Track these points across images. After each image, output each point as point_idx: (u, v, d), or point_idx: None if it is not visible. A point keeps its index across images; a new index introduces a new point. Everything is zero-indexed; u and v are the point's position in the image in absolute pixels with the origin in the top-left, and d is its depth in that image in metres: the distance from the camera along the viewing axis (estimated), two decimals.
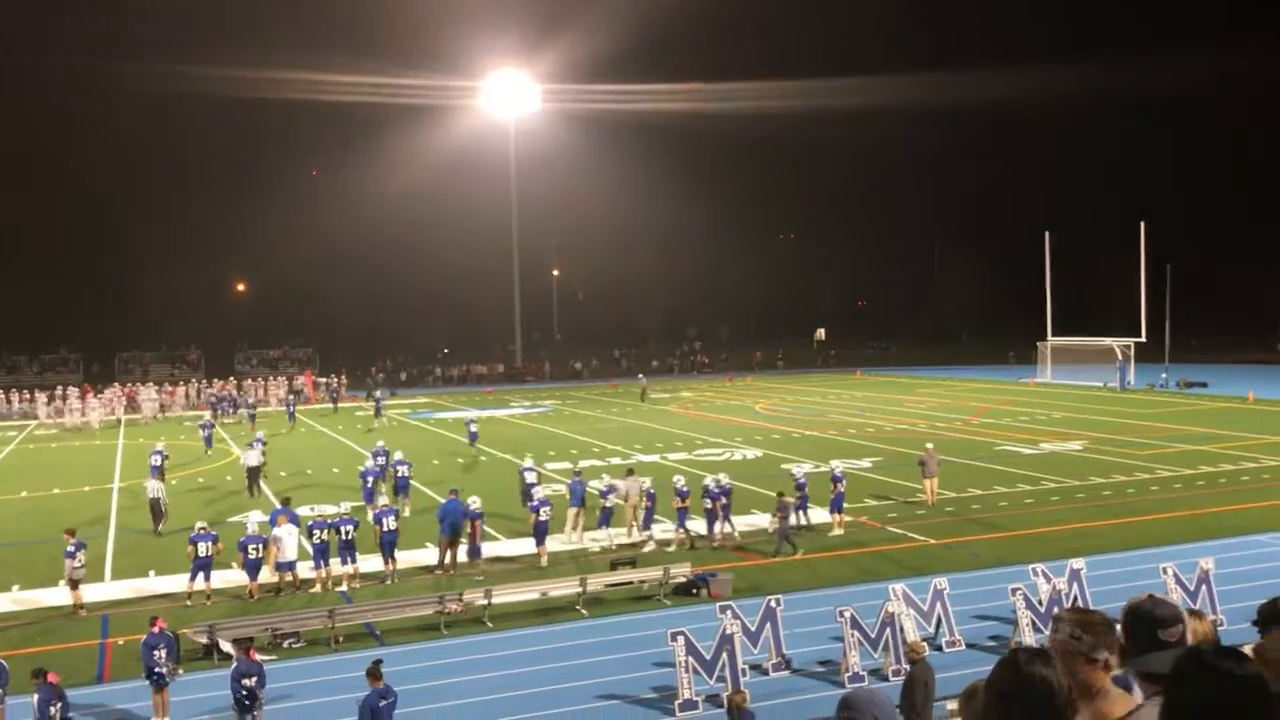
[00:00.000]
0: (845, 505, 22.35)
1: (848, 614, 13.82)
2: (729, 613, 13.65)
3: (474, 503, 19.94)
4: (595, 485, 24.73)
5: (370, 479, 24.99)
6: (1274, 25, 74.30)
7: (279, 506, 20.69)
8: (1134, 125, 78.91)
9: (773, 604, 14.14)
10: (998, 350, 71.75)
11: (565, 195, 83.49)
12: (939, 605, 14.75)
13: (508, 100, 70.00)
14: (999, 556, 19.42)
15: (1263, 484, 26.20)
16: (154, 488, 24.30)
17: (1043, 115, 75.28)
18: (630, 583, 17.92)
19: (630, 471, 23.34)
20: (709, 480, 21.87)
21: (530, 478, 24.19)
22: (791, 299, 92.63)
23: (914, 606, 14.45)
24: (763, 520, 22.64)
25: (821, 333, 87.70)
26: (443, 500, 20.89)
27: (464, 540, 19.83)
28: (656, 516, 21.73)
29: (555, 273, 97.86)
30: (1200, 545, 19.28)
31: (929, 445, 25.55)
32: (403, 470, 25.49)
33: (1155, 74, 68.98)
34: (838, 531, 21.78)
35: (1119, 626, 2.96)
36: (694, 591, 17.66)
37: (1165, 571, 15.03)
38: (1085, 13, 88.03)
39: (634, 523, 21.93)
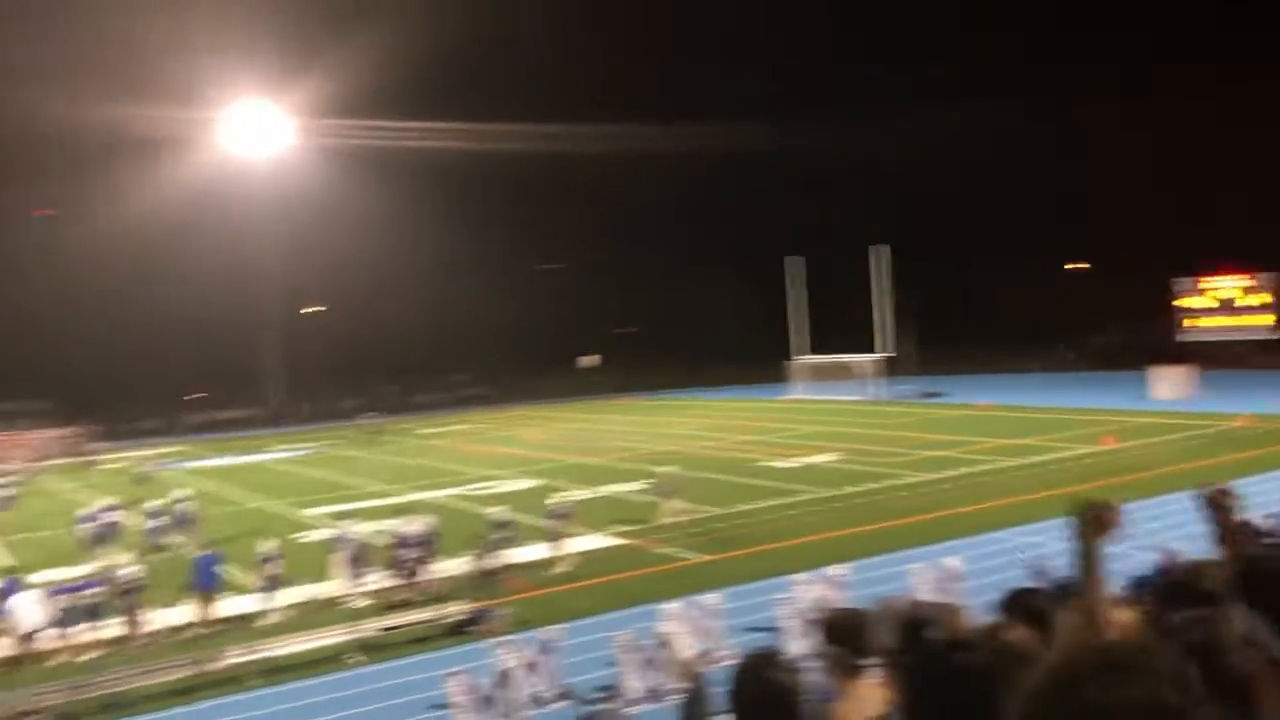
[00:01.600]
0: (621, 528, 22.61)
1: (624, 638, 13.96)
2: (505, 648, 13.53)
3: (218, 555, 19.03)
4: (365, 528, 23.99)
5: (96, 536, 23.37)
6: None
7: (9, 577, 19.02)
8: (875, 153, 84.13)
9: (550, 635, 14.12)
10: (756, 369, 74.63)
11: (322, 230, 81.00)
12: (711, 621, 15.12)
13: (258, 132, 67.48)
14: (765, 569, 20.11)
15: (998, 483, 28.31)
16: None
17: (790, 147, 79.21)
18: (403, 626, 17.48)
19: (408, 512, 22.83)
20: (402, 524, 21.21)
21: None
22: (561, 327, 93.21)
23: (687, 624, 14.76)
24: (526, 552, 22.53)
25: (592, 359, 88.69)
26: (196, 554, 19.76)
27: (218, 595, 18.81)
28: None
29: (315, 310, 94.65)
30: (947, 544, 20.62)
31: (668, 468, 25.95)
32: (153, 522, 23.99)
33: (901, 110, 74.21)
34: (562, 569, 21.17)
35: (879, 626, 3.12)
36: (470, 629, 17.40)
37: (916, 572, 15.99)
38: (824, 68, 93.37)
39: (423, 563, 21.41)
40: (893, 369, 59.09)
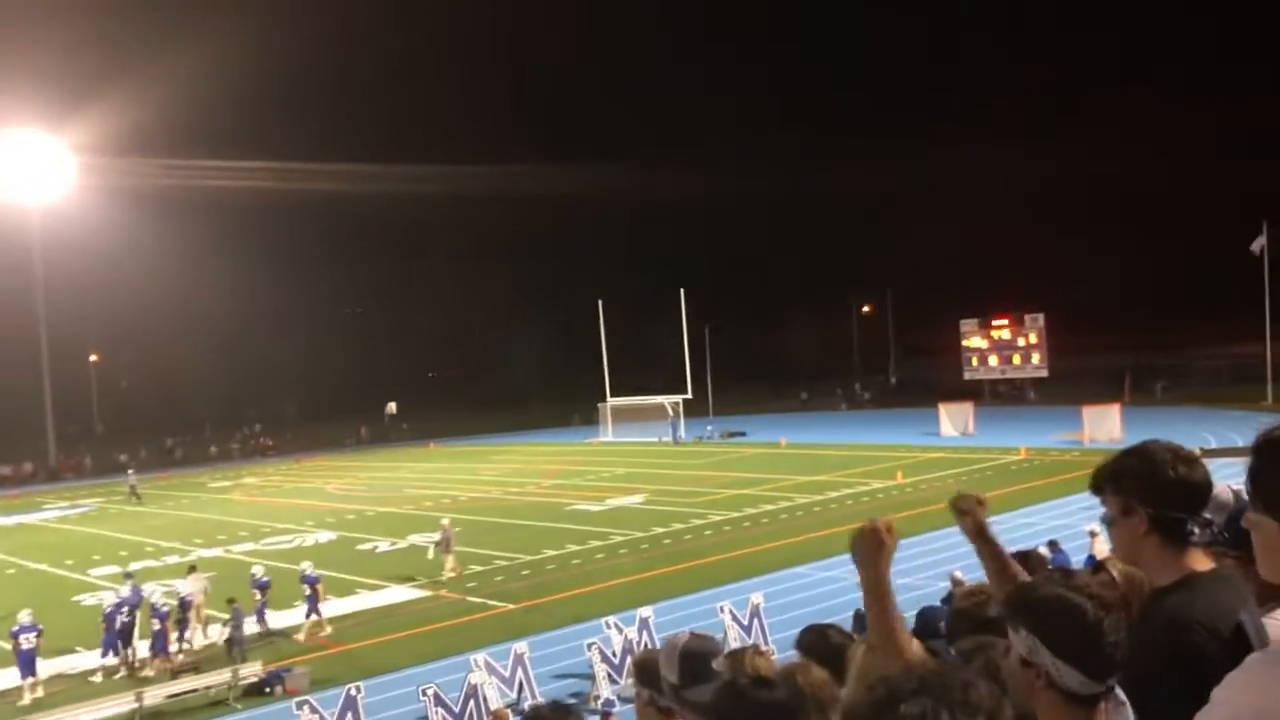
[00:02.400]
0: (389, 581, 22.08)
1: (430, 692, 13.62)
2: (306, 708, 12.97)
3: None
4: (146, 589, 22.61)
5: None
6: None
7: None
8: (673, 212, 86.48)
9: (353, 692, 13.61)
10: (563, 413, 74.77)
11: (102, 275, 76.63)
12: (520, 669, 14.93)
13: (33, 171, 63.27)
14: (575, 613, 20.03)
15: (797, 520, 29.19)
16: None
17: (597, 199, 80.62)
18: (195, 690, 16.51)
19: (192, 569, 21.64)
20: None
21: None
22: (361, 374, 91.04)
23: (496, 674, 14.53)
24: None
25: (392, 406, 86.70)
26: None
27: None
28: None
29: (94, 359, 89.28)
30: (751, 582, 21.07)
31: (444, 521, 25.25)
32: None
33: (692, 173, 76.74)
34: (300, 637, 19.81)
35: (664, 662, 3.13)
36: (268, 690, 16.60)
37: (723, 610, 16.26)
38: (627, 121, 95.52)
39: (199, 624, 20.30)
40: (697, 409, 60.34)
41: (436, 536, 24.98)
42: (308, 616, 20.04)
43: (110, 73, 70.28)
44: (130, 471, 50.93)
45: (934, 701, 1.50)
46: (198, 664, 18.02)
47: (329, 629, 20.13)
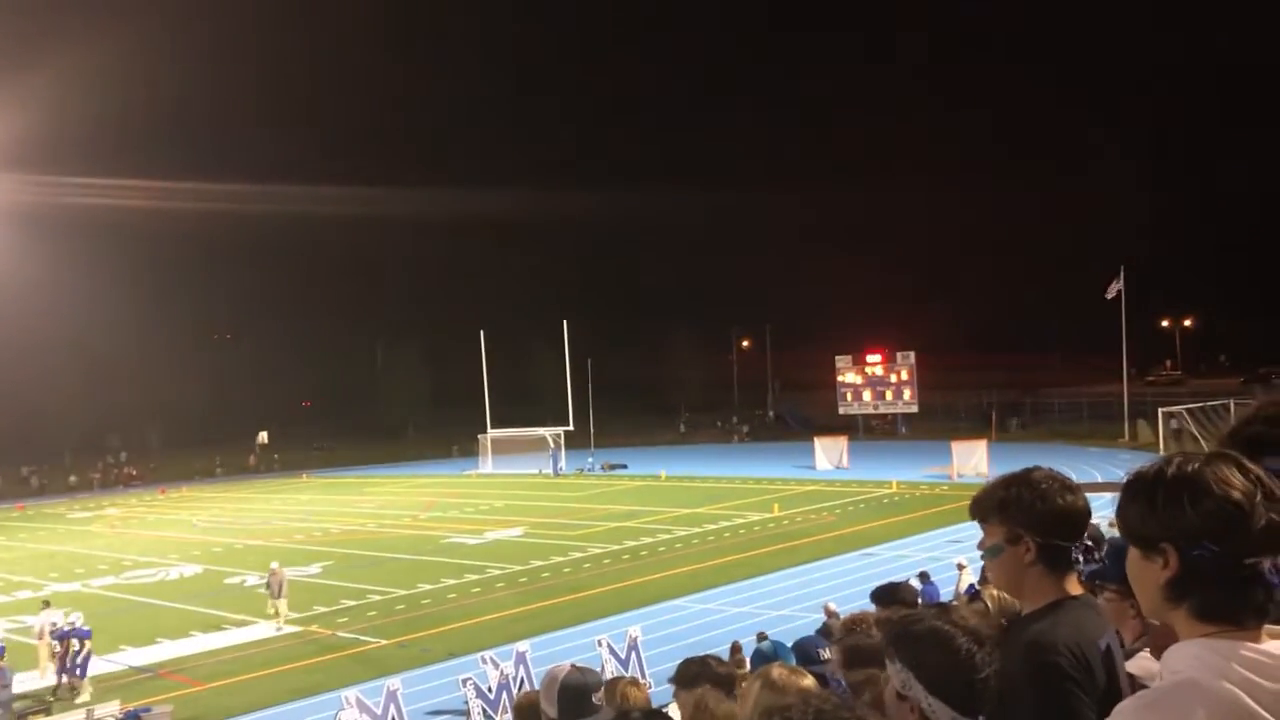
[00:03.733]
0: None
1: None
2: None
3: None
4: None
5: None
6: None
7: None
8: (556, 242, 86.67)
9: None
10: (442, 444, 73.79)
11: None
12: (393, 707, 14.59)
13: None
14: (450, 649, 19.72)
15: (675, 553, 29.33)
16: None
17: (481, 226, 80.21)
18: None
19: (46, 604, 20.60)
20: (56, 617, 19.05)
21: None
22: (230, 402, 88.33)
23: (368, 712, 14.17)
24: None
25: (264, 436, 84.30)
26: None
27: None
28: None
29: None
30: (629, 615, 21.06)
31: (274, 564, 23.44)
32: None
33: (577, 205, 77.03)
34: (84, 697, 17.80)
35: (544, 695, 3.11)
36: None
37: (600, 643, 16.20)
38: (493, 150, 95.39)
39: (50, 662, 19.31)
40: (578, 441, 60.24)
41: (314, 569, 24.22)
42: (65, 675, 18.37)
43: None
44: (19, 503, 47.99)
45: None
46: (49, 706, 17.12)
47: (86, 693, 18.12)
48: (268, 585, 22.60)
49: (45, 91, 65.09)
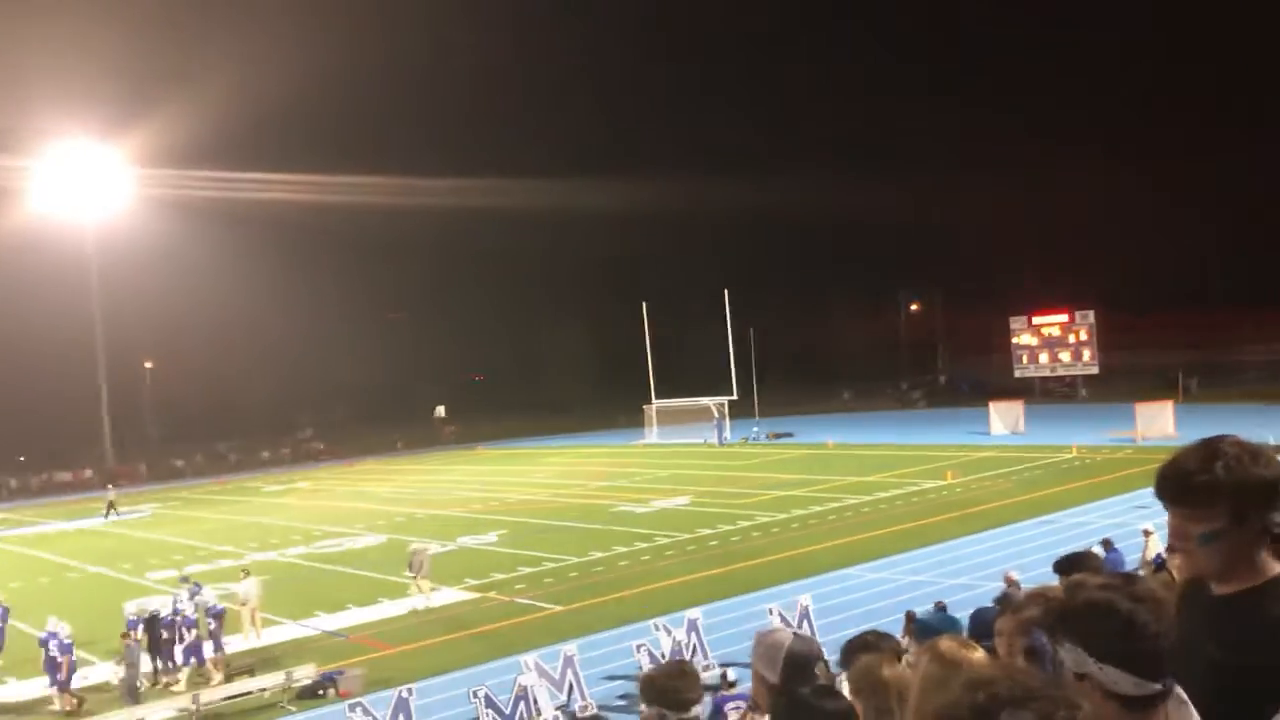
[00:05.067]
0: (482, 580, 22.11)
1: (481, 693, 13.69)
2: (359, 710, 13.10)
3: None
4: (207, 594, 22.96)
5: None
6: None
7: None
8: (716, 211, 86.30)
9: (405, 694, 13.72)
10: (608, 416, 74.87)
11: (155, 283, 77.91)
12: (570, 671, 14.97)
13: (88, 183, 64.63)
14: (623, 615, 20.05)
15: (845, 521, 29.02)
16: None
17: (642, 201, 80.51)
18: (250, 692, 16.73)
19: (246, 572, 21.93)
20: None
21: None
22: (407, 378, 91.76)
23: (546, 676, 14.58)
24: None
25: (441, 410, 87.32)
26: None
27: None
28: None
29: (148, 365, 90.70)
30: (799, 584, 20.97)
31: (414, 545, 23.77)
32: None
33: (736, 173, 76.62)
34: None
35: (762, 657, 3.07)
36: (321, 693, 16.78)
37: (771, 612, 16.19)
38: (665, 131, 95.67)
39: (253, 626, 20.59)
40: (742, 411, 60.17)
41: (491, 537, 24.83)
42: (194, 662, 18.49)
43: (162, 87, 71.47)
44: (110, 487, 51.02)
45: (1037, 716, 1.47)
46: (252, 667, 18.24)
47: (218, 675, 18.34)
48: (410, 566, 22.58)
49: (231, 91, 68.71)
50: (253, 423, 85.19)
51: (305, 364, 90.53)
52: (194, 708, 15.80)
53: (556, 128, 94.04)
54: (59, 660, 17.09)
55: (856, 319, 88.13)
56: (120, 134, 66.91)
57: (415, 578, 22.53)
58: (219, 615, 18.98)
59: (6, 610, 20.22)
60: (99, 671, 18.61)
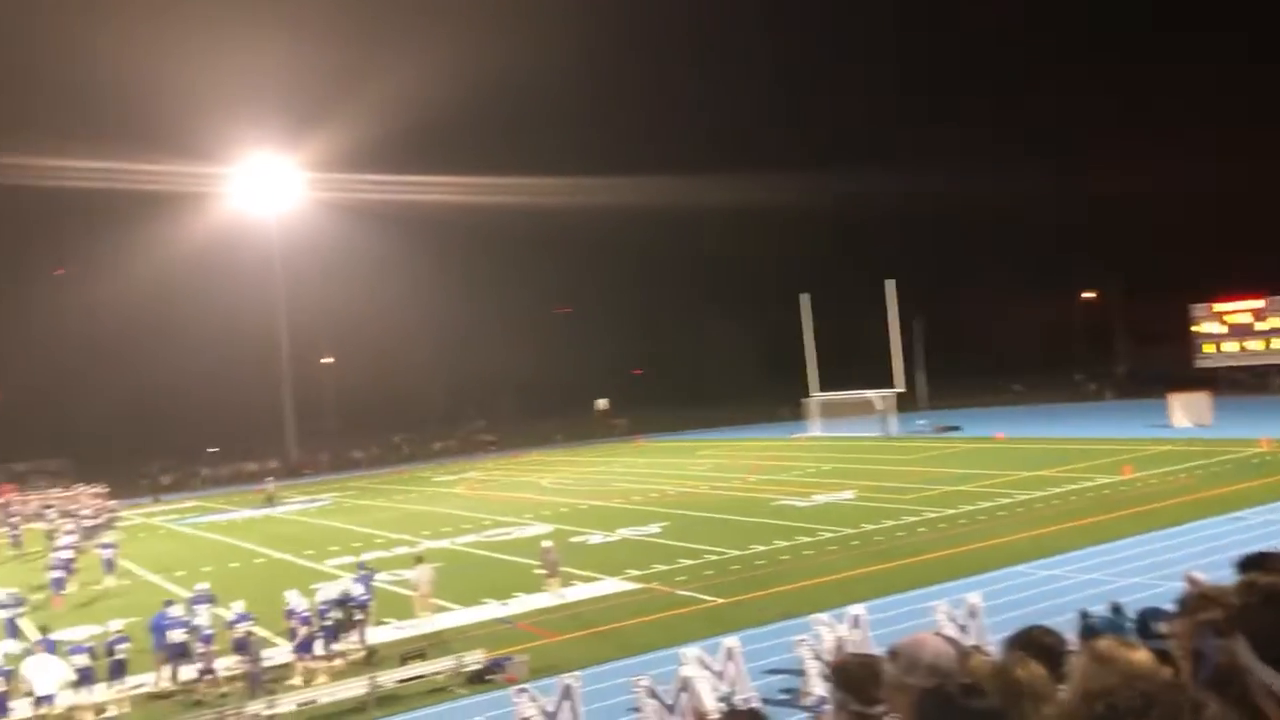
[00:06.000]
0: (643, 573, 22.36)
1: (644, 683, 13.85)
2: (525, 695, 13.44)
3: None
4: (385, 578, 23.94)
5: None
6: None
7: (39, 636, 18.98)
8: (880, 200, 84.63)
9: (569, 681, 14.01)
10: (768, 409, 74.46)
11: (333, 282, 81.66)
12: (731, 664, 14.99)
13: (271, 188, 68.35)
14: (785, 609, 19.95)
15: (1016, 517, 28.10)
16: None
17: (803, 190, 79.66)
18: (422, 676, 17.37)
19: (419, 559, 22.75)
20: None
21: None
22: (570, 372, 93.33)
23: (708, 668, 14.64)
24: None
25: (603, 403, 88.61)
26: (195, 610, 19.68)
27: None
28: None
29: (327, 361, 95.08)
30: (968, 581, 20.44)
31: (545, 543, 24.07)
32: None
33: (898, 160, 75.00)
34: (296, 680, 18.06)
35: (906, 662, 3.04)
36: (489, 678, 17.28)
37: (937, 610, 15.83)
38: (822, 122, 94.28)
39: (425, 612, 21.37)
40: (907, 403, 58.92)
41: (653, 529, 25.06)
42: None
43: (337, 97, 74.68)
44: (269, 480, 54.43)
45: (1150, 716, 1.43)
46: (424, 650, 18.92)
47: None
48: (543, 564, 22.87)
49: (399, 98, 71.29)
50: (425, 415, 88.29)
51: (475, 358, 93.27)
52: (371, 689, 16.51)
53: (717, 118, 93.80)
54: (248, 641, 18.27)
55: (1028, 308, 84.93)
56: (299, 141, 70.42)
57: (547, 575, 22.82)
58: (363, 605, 19.71)
59: (213, 597, 21.35)
60: (281, 653, 19.62)
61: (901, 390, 56.89)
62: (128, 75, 68.91)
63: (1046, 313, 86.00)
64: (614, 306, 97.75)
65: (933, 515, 29.34)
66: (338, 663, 18.72)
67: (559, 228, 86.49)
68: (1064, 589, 19.65)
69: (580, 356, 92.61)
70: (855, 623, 15.88)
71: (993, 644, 15.36)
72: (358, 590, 20.02)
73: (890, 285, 56.26)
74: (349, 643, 19.36)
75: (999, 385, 76.14)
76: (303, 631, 18.35)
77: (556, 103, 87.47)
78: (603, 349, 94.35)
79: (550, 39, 78.33)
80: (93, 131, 67.17)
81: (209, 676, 17.96)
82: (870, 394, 57.45)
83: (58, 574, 27.07)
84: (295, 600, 18.92)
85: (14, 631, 19.38)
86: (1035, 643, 3.50)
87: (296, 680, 17.97)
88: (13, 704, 16.95)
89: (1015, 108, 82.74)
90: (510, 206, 78.06)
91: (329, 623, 18.94)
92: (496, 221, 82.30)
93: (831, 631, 15.45)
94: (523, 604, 22.61)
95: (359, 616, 19.57)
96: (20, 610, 21.68)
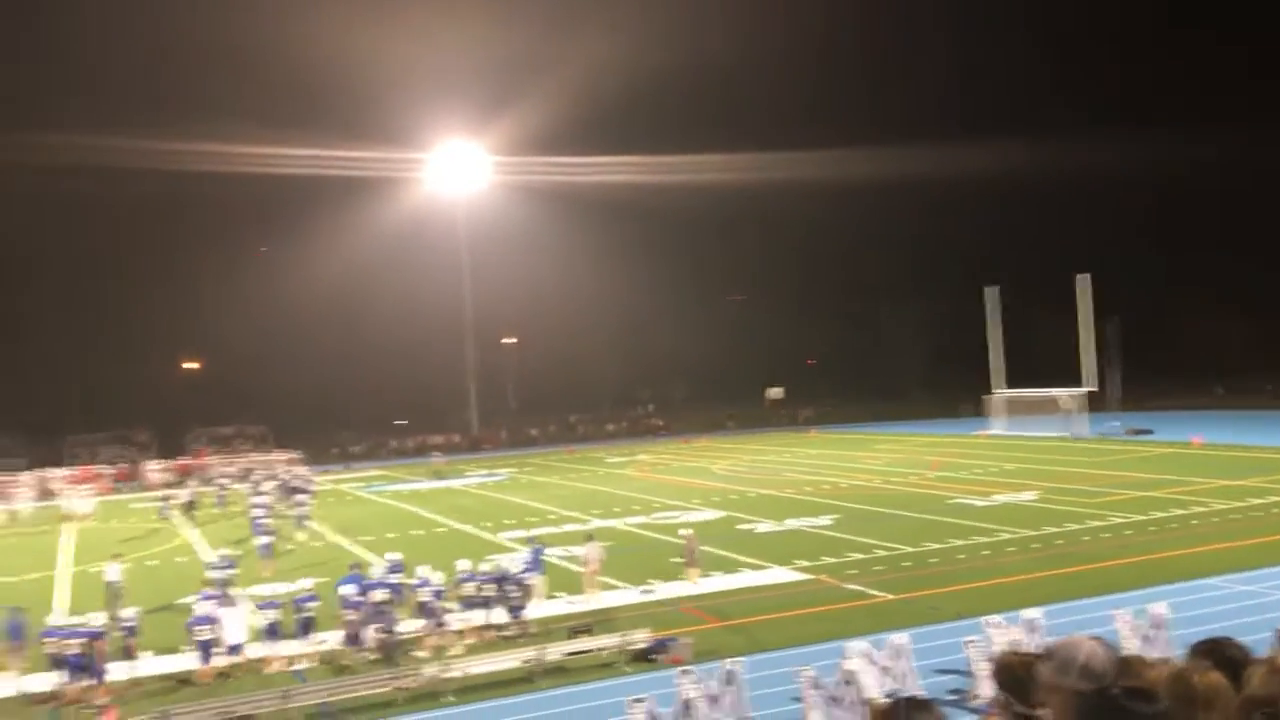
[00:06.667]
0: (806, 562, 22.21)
1: (808, 674, 13.76)
2: (689, 677, 13.55)
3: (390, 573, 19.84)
4: (555, 553, 24.55)
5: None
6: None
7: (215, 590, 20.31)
8: (1073, 191, 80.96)
9: (732, 666, 14.06)
10: (948, 404, 72.47)
11: (516, 264, 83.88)
12: (899, 661, 14.74)
13: (458, 171, 70.76)
14: (958, 609, 19.46)
15: (1211, 527, 26.57)
16: (113, 570, 23.52)
17: (981, 179, 76.80)
18: (588, 651, 17.74)
19: (589, 537, 23.21)
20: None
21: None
22: (747, 359, 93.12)
23: (875, 663, 14.42)
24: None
25: (777, 391, 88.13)
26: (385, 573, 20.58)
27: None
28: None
29: (509, 340, 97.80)
30: (1153, 590, 19.45)
31: (685, 531, 23.99)
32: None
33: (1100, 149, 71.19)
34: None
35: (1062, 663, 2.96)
36: (653, 658, 17.51)
37: (1117, 618, 15.15)
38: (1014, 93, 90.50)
39: (592, 589, 21.79)
40: (1097, 403, 56.32)
41: (823, 520, 24.86)
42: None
43: (523, 81, 76.53)
44: (435, 454, 56.39)
45: None
46: (591, 626, 19.30)
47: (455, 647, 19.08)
48: (684, 555, 22.82)
49: (578, 81, 72.51)
50: (600, 397, 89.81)
51: (649, 342, 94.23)
52: (539, 660, 16.97)
53: (899, 92, 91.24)
54: (434, 606, 19.01)
55: (1232, 305, 79.73)
56: (484, 126, 72.57)
57: (686, 563, 22.72)
58: (521, 584, 20.03)
59: (401, 563, 22.23)
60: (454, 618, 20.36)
61: (1091, 389, 54.42)
62: (330, 67, 72.53)
63: (1254, 310, 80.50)
64: (790, 293, 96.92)
65: (1119, 521, 28.03)
66: (471, 639, 19.27)
67: (738, 211, 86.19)
68: (1261, 606, 18.48)
69: (754, 343, 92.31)
70: (1030, 627, 15.37)
71: (1178, 657, 14.61)
72: (515, 569, 20.44)
73: (1083, 278, 53.83)
74: (497, 620, 19.78)
75: (1198, 387, 71.94)
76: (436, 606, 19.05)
77: (732, 80, 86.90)
78: (777, 336, 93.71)
79: (723, 16, 78.14)
80: (297, 120, 71.04)
81: (389, 636, 18.77)
82: (1058, 392, 55.19)
83: (265, 540, 28.36)
84: (427, 573, 19.56)
85: (224, 594, 20.66)
86: (1219, 653, 3.33)
87: (423, 653, 18.61)
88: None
89: (1239, 73, 77.03)
90: (688, 187, 78.00)
91: (484, 595, 19.55)
92: (673, 205, 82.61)
93: (1004, 634, 14.99)
94: (687, 587, 22.74)
95: (514, 593, 19.92)
96: (233, 572, 23.09)
